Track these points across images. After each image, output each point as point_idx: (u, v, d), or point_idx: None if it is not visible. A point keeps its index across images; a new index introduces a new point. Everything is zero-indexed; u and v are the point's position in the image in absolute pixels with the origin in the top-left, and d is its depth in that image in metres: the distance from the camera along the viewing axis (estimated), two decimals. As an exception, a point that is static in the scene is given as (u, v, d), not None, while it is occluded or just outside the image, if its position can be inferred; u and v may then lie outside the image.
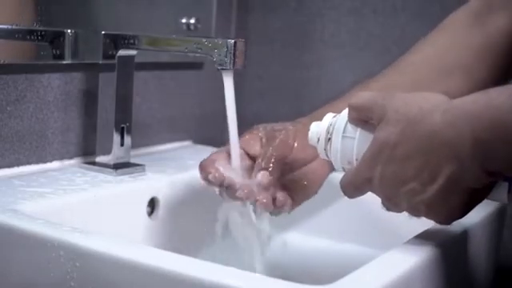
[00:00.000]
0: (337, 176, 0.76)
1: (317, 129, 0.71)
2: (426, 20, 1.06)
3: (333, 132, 0.69)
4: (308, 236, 0.97)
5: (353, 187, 0.67)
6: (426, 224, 0.74)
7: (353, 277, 0.59)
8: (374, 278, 0.60)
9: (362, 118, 0.66)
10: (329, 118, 0.71)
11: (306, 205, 0.88)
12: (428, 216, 0.64)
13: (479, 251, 0.82)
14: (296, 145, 0.78)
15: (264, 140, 0.78)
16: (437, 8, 1.05)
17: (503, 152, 0.56)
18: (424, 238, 0.70)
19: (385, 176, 0.63)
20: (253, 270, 0.60)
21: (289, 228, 0.98)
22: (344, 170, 0.69)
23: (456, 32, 0.82)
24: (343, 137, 0.68)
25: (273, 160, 0.76)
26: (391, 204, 0.65)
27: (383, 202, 0.66)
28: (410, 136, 0.61)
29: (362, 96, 0.66)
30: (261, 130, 0.79)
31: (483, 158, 0.57)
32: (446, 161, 0.59)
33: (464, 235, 0.74)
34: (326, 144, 0.70)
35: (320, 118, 0.72)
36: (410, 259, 0.64)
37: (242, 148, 0.79)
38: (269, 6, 1.18)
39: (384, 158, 0.62)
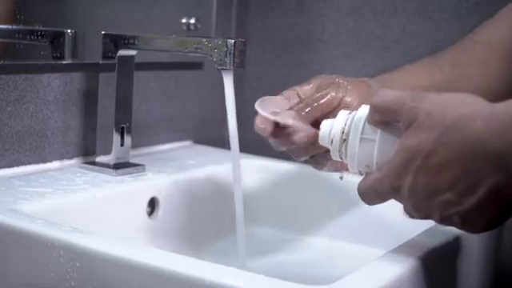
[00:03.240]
0: (336, 176, 0.76)
1: (330, 128, 0.66)
2: (425, 20, 1.06)
3: (349, 133, 0.64)
4: (307, 236, 0.97)
5: (376, 195, 0.62)
6: (426, 224, 0.74)
7: (352, 277, 0.59)
8: (374, 278, 0.60)
9: (386, 121, 0.61)
10: (343, 116, 0.66)
11: (305, 205, 0.88)
12: (462, 227, 0.59)
13: (479, 252, 0.82)
14: (342, 103, 0.72)
15: (315, 88, 0.74)
16: (436, 8, 1.05)
17: None
18: (424, 238, 0.70)
19: (416, 186, 0.58)
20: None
21: (288, 228, 0.98)
22: (360, 173, 0.64)
23: None
24: (361, 139, 0.63)
25: (308, 109, 0.72)
26: (421, 214, 0.61)
27: (407, 210, 0.62)
28: (448, 144, 0.56)
29: (388, 95, 0.61)
30: (318, 78, 0.76)
31: None
32: (489, 171, 0.55)
33: (464, 236, 0.74)
34: (340, 146, 0.65)
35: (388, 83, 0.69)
36: (410, 259, 0.64)
37: (294, 89, 0.76)
38: (269, 6, 1.18)
39: (415, 166, 0.58)
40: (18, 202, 0.73)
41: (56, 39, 0.87)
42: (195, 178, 0.92)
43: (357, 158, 0.63)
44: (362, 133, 0.63)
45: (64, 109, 0.91)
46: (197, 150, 1.09)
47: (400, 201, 0.61)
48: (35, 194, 0.77)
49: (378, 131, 0.62)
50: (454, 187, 0.56)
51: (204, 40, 0.80)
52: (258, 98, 0.86)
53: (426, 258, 0.65)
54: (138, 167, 0.90)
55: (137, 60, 0.90)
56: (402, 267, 0.62)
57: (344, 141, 0.64)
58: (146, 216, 0.87)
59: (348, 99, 0.72)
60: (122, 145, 0.90)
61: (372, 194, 0.63)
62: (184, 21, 1.05)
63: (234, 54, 0.78)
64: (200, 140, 1.13)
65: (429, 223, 0.74)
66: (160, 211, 0.88)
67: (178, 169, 0.94)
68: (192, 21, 1.05)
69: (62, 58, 0.88)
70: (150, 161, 0.94)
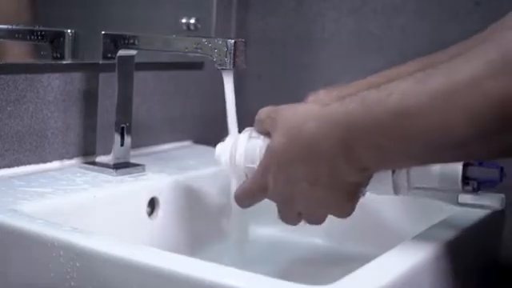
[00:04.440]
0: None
1: (222, 146, 0.79)
2: (425, 20, 1.06)
3: (238, 139, 0.77)
4: (307, 236, 0.97)
5: (248, 196, 0.75)
6: (425, 224, 0.74)
7: (353, 277, 0.59)
8: (374, 278, 0.60)
9: (262, 131, 0.75)
10: (233, 135, 0.79)
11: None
12: (332, 214, 0.72)
13: (479, 252, 0.82)
14: None
15: None
16: (436, 8, 1.05)
17: (365, 152, 0.63)
18: (423, 238, 0.70)
19: (277, 181, 0.70)
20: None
21: (288, 228, 0.98)
22: (246, 176, 0.76)
23: None
24: (250, 137, 0.76)
25: None
26: (287, 208, 0.72)
27: (279, 210, 0.73)
28: (293, 144, 0.68)
29: (262, 110, 0.75)
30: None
31: (351, 158, 0.64)
32: (323, 163, 0.66)
33: (463, 235, 0.74)
34: (232, 154, 0.77)
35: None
36: (410, 260, 0.64)
37: None
38: (269, 6, 1.18)
39: (274, 164, 0.70)
40: (18, 202, 0.73)
41: (56, 39, 0.87)
42: (195, 178, 0.92)
43: (244, 157, 0.76)
44: (250, 136, 0.77)
45: (64, 109, 0.91)
46: (197, 149, 1.09)
47: (270, 198, 0.73)
48: (35, 194, 0.77)
49: (261, 136, 0.75)
50: (305, 178, 0.68)
51: (204, 40, 0.80)
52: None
53: (424, 258, 0.65)
54: (138, 167, 0.90)
55: (137, 60, 0.90)
56: (401, 267, 0.62)
57: (235, 150, 0.78)
58: (146, 216, 0.87)
59: None
60: (122, 145, 0.90)
61: (244, 196, 0.75)
62: (184, 21, 1.05)
63: (234, 53, 0.78)
64: (200, 140, 1.13)
65: (426, 224, 0.74)
66: (160, 211, 0.88)
67: (178, 169, 0.94)
68: (192, 21, 1.05)
69: (62, 58, 0.88)
70: (150, 161, 0.94)
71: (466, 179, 0.69)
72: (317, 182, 0.67)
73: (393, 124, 0.60)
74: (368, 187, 0.70)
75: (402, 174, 0.70)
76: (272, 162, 0.70)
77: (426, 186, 0.70)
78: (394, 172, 0.70)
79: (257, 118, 0.76)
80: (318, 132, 0.66)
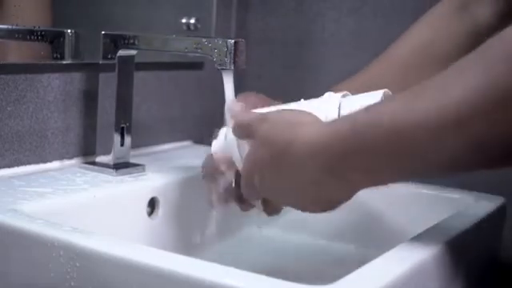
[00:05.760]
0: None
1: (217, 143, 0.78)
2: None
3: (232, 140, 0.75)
4: (307, 236, 0.97)
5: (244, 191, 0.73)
6: (425, 224, 0.74)
7: (353, 277, 0.59)
8: (374, 278, 0.60)
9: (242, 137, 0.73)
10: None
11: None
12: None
13: (479, 251, 0.82)
14: None
15: None
16: (437, 8, 1.05)
17: (355, 174, 0.63)
18: (423, 238, 0.70)
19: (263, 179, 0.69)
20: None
21: (288, 228, 0.98)
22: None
23: (440, 23, 0.83)
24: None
25: None
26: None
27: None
28: (279, 162, 0.66)
29: (244, 116, 0.73)
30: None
31: (339, 179, 0.63)
32: (309, 183, 0.65)
33: (463, 235, 0.74)
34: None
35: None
36: (410, 260, 0.64)
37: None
38: (269, 6, 1.18)
39: (258, 173, 0.69)
40: (18, 202, 0.73)
41: (56, 39, 0.87)
42: (195, 178, 0.92)
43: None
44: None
45: (64, 109, 0.91)
46: (197, 150, 1.09)
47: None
48: (35, 194, 0.77)
49: None
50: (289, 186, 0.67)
51: (204, 40, 0.80)
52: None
53: (424, 258, 0.65)
54: (137, 167, 0.90)
55: (137, 60, 0.90)
56: (401, 268, 0.62)
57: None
58: (145, 216, 0.87)
59: None
60: (122, 145, 0.90)
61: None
62: (184, 21, 1.05)
63: (234, 53, 0.78)
64: (200, 140, 1.13)
65: (426, 225, 0.74)
66: (160, 211, 0.88)
67: (178, 169, 0.94)
68: (192, 21, 1.05)
69: (62, 58, 0.88)
70: (149, 161, 0.94)
71: None
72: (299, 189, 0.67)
73: (385, 144, 0.59)
74: None
75: None
76: (254, 171, 0.69)
77: None
78: None
79: (238, 123, 0.72)
80: (305, 155, 0.64)
